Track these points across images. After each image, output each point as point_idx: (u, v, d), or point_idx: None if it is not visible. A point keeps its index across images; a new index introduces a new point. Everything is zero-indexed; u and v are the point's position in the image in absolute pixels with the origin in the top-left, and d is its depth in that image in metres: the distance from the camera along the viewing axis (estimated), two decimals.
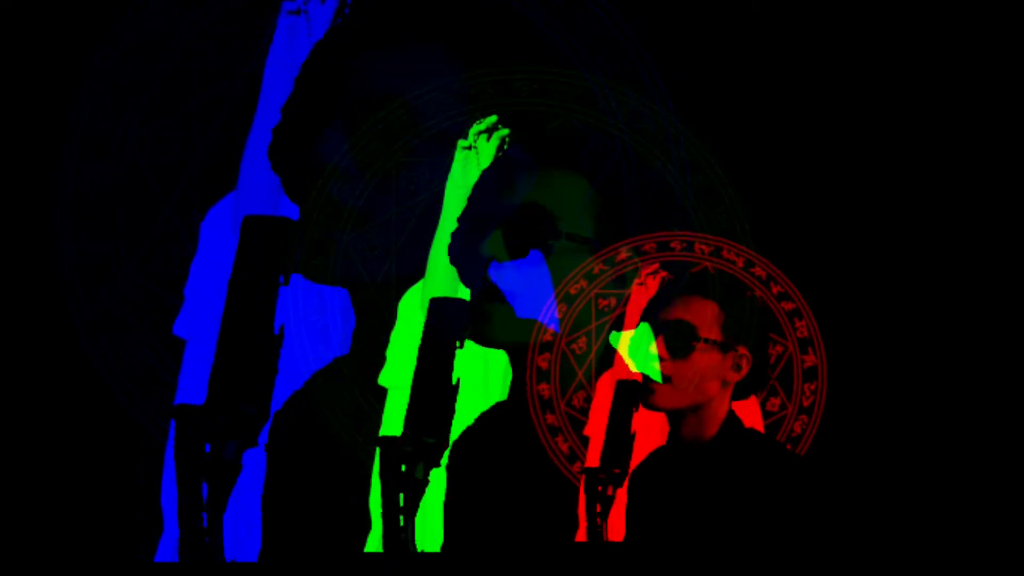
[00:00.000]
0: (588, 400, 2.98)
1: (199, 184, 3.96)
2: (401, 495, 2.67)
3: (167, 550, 3.70)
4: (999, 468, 3.21)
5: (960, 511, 3.20)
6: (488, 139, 3.48)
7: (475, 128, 3.49)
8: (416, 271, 3.55)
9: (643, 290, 2.99)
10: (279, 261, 2.69)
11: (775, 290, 2.91)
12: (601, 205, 3.38)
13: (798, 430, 2.93)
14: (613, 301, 2.99)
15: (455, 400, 3.01)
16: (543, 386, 2.94)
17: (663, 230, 3.18)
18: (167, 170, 3.97)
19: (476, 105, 3.58)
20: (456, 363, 3.13)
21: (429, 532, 3.32)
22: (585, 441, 2.94)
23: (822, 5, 3.52)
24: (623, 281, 3.30)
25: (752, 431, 2.87)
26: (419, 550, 2.88)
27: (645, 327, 2.85)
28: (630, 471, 2.84)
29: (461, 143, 3.50)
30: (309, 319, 3.71)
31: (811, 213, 3.40)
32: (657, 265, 2.94)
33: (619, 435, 2.84)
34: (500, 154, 3.56)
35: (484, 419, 3.44)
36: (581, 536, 2.90)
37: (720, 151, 3.43)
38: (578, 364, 3.03)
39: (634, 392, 2.84)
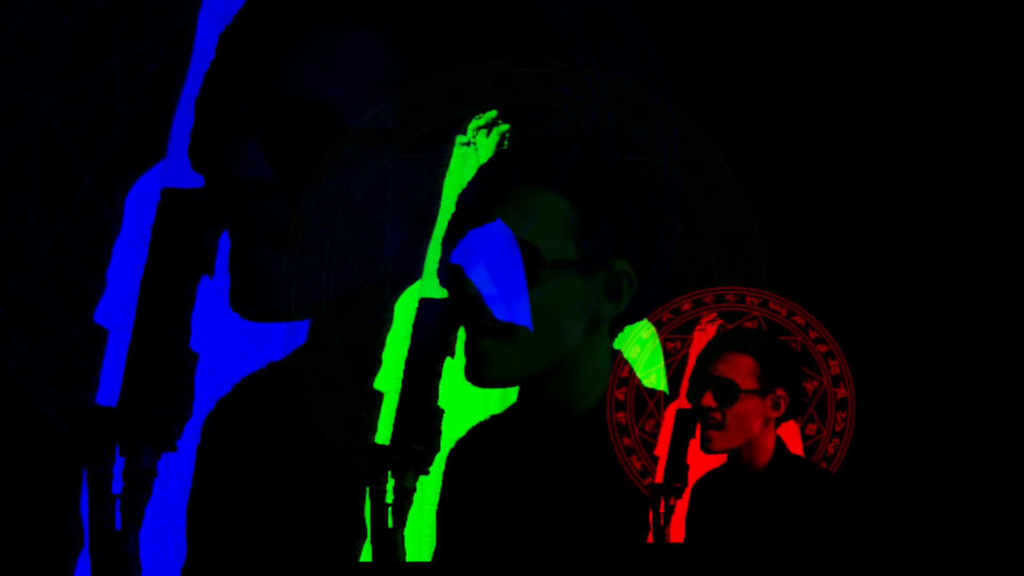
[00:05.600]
0: (657, 426, 3.50)
1: (123, 152, 3.50)
2: (390, 504, 2.68)
3: (86, 567, 3.14)
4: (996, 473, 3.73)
5: (963, 515, 3.72)
6: (487, 135, 3.48)
7: (473, 124, 3.47)
8: (413, 272, 3.50)
9: (703, 336, 3.54)
10: (203, 241, 2.37)
11: (812, 335, 3.47)
12: (581, 221, 3.40)
13: (831, 451, 3.47)
14: (679, 344, 3.53)
15: (442, 406, 3.06)
16: (620, 414, 3.48)
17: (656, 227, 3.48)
18: (86, 135, 3.51)
19: (474, 100, 3.46)
20: (453, 367, 3.25)
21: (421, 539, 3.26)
22: (655, 460, 3.48)
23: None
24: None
25: (798, 458, 3.43)
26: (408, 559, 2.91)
27: (696, 383, 3.39)
28: (690, 485, 3.38)
29: (459, 139, 3.46)
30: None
31: (832, 250, 3.83)
32: (715, 315, 3.50)
33: (678, 456, 3.40)
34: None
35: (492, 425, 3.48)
36: (650, 539, 3.41)
37: (728, 153, 3.59)
38: (649, 396, 3.51)
39: (692, 420, 3.40)
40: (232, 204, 3.32)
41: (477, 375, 3.37)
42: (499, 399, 3.50)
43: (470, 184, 3.44)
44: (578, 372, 3.48)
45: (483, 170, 3.44)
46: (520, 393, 3.52)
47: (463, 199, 3.44)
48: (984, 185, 3.80)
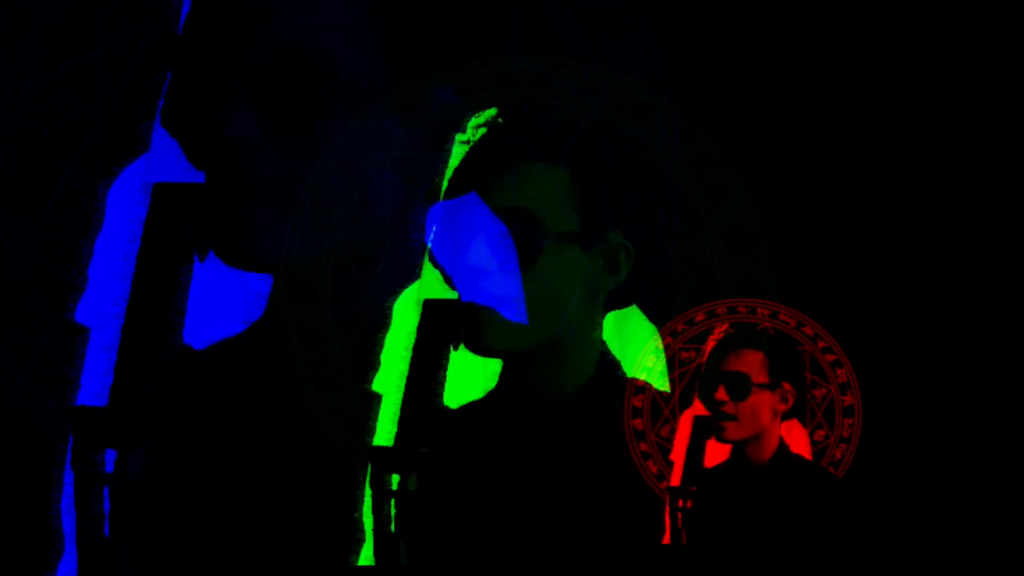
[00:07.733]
0: (673, 432, 3.58)
1: (105, 144, 3.36)
2: (392, 507, 2.66)
3: (68, 570, 3.19)
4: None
5: (964, 516, 3.82)
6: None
7: (473, 122, 3.44)
8: (412, 271, 3.47)
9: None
10: (193, 236, 2.37)
11: (821, 345, 3.58)
12: (582, 192, 3.42)
13: (838, 455, 3.60)
14: (694, 353, 3.57)
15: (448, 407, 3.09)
16: (637, 421, 3.56)
17: (652, 211, 3.52)
18: (67, 128, 3.40)
19: (474, 97, 3.45)
20: (458, 366, 3.30)
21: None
22: (671, 464, 3.53)
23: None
24: None
25: (798, 456, 3.52)
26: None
27: (710, 377, 3.47)
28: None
29: (459, 137, 3.44)
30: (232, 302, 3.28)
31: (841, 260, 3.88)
32: (728, 325, 3.55)
33: (695, 460, 3.47)
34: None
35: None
36: (666, 540, 3.48)
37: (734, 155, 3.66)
38: (664, 403, 3.59)
39: (707, 426, 3.48)
40: (225, 164, 3.29)
41: (477, 344, 3.34)
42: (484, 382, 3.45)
43: (464, 159, 3.39)
44: (573, 349, 3.47)
45: (479, 146, 3.38)
46: (506, 375, 3.47)
47: (458, 174, 3.38)
48: (990, 185, 3.87)
